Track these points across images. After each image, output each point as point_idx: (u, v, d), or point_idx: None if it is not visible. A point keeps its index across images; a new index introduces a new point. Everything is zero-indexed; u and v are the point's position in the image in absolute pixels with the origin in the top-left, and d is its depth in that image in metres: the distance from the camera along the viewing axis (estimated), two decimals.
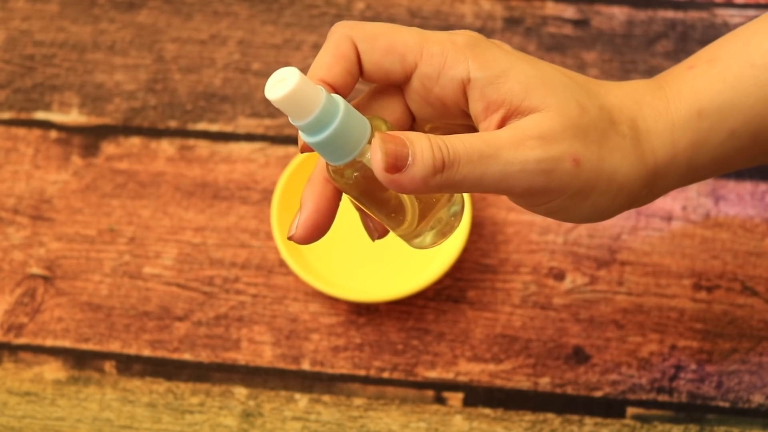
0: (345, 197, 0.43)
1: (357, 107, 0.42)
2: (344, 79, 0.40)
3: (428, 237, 0.43)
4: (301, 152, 0.41)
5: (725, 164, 0.45)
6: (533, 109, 0.40)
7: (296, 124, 0.38)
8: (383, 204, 0.41)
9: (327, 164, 0.40)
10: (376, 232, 0.45)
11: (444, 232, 0.43)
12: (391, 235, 0.44)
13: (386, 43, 0.41)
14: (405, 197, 0.41)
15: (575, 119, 0.40)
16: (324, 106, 0.37)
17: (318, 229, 0.42)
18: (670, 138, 0.43)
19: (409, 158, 0.38)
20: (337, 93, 0.40)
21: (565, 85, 0.41)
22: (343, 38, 0.41)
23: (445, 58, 0.40)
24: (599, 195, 0.41)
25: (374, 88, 0.44)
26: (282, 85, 0.36)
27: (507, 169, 0.39)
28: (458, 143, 0.38)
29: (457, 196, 0.43)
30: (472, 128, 0.43)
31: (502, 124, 0.40)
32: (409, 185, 0.38)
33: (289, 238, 0.43)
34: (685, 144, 0.43)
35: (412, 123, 0.44)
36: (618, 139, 0.42)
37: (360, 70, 0.41)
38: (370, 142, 0.39)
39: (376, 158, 0.37)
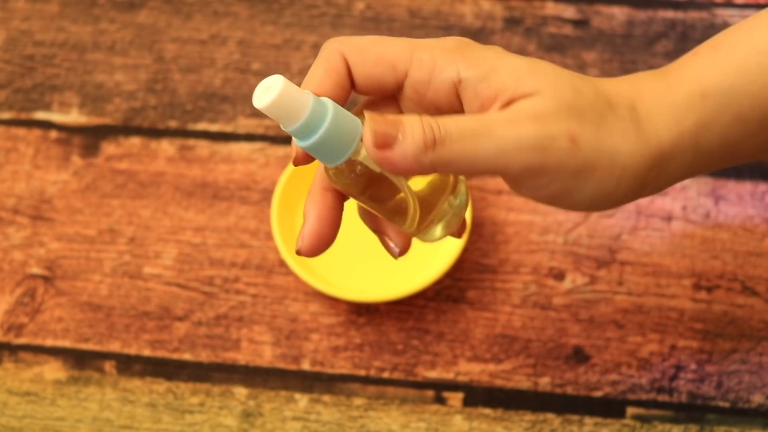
0: (346, 207, 0.43)
1: None
2: (335, 92, 0.41)
3: (436, 231, 0.43)
4: (295, 165, 0.41)
5: (735, 150, 0.44)
6: (527, 94, 0.39)
7: (288, 130, 0.38)
8: (384, 201, 0.41)
9: (326, 168, 0.40)
10: (397, 249, 0.44)
11: (450, 225, 0.43)
12: None
13: (376, 54, 0.41)
14: (407, 194, 0.41)
15: (570, 101, 0.40)
16: (312, 108, 0.38)
17: (324, 239, 0.42)
18: (673, 119, 0.42)
19: (399, 135, 0.38)
20: None
21: (557, 72, 0.41)
22: (333, 53, 0.41)
23: (435, 62, 0.40)
24: (602, 176, 0.40)
25: (368, 100, 0.44)
26: (268, 92, 0.37)
27: (501, 146, 0.38)
28: (450, 121, 0.38)
29: (460, 188, 0.43)
30: None
31: None
32: (401, 162, 0.38)
33: (298, 253, 0.42)
34: (690, 125, 0.42)
35: None
36: (617, 120, 0.41)
37: (352, 84, 0.41)
38: (359, 143, 0.39)
39: (366, 137, 0.38)
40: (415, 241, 0.45)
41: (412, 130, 0.38)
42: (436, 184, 0.42)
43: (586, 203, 0.42)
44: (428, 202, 0.42)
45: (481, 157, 0.38)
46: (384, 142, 0.37)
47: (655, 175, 0.42)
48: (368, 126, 0.38)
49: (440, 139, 0.38)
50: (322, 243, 0.42)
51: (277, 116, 0.37)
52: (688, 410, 0.63)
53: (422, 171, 0.38)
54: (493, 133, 0.38)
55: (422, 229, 0.43)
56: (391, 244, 0.44)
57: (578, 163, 0.40)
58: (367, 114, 0.38)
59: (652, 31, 0.73)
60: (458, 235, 0.46)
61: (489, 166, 0.39)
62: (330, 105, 0.38)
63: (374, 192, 0.41)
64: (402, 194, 0.41)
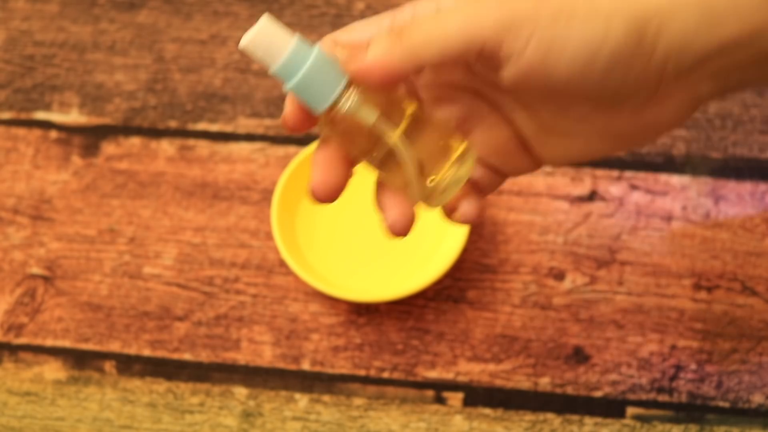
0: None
1: None
2: None
3: (442, 195, 0.42)
4: (284, 125, 0.41)
5: (753, 28, 0.39)
6: None
7: (273, 71, 0.39)
8: (377, 155, 0.41)
9: (319, 121, 0.41)
10: (388, 222, 0.43)
11: (451, 191, 0.42)
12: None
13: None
14: (400, 145, 0.40)
15: None
16: (297, 44, 0.39)
17: (338, 180, 0.41)
18: None
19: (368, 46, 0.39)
20: None
21: None
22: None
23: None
24: (585, 20, 0.38)
25: None
26: (253, 31, 0.38)
27: (468, 13, 0.38)
28: (414, 19, 0.40)
29: (468, 156, 0.42)
30: (469, 79, 0.42)
31: None
32: (375, 64, 0.38)
33: (312, 194, 0.41)
34: None
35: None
36: None
37: None
38: (348, 88, 0.39)
39: (339, 58, 0.39)
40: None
41: (378, 37, 0.39)
42: (441, 146, 0.42)
43: (582, 54, 0.38)
44: (431, 162, 0.41)
45: (451, 28, 0.38)
46: (354, 55, 0.39)
47: (657, 26, 0.38)
48: (338, 51, 0.39)
49: (406, 28, 0.39)
50: (333, 183, 0.41)
51: (261, 54, 0.38)
52: (688, 410, 0.63)
53: (402, 68, 0.39)
54: (458, 9, 0.39)
55: (425, 191, 0.42)
56: (386, 221, 0.43)
57: (551, 10, 0.38)
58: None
59: None
60: (472, 219, 0.45)
61: (463, 38, 0.38)
62: (315, 47, 0.39)
63: (364, 144, 0.41)
64: (397, 148, 0.40)
